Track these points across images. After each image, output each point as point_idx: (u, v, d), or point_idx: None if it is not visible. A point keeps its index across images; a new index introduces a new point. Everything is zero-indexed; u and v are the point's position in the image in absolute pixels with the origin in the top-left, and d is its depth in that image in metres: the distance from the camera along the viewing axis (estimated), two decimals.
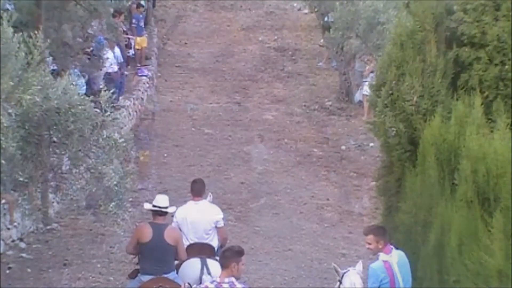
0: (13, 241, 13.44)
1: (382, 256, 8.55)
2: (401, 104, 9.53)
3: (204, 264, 9.92)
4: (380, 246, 8.57)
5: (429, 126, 8.96)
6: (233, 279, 7.78)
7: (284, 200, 16.65)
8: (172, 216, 10.11)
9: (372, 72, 19.55)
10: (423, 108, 9.44)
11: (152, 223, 9.44)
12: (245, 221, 15.35)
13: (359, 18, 19.96)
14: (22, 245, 13.54)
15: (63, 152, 9.71)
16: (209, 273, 9.81)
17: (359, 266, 8.93)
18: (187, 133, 19.96)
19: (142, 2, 23.15)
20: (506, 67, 9.23)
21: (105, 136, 9.64)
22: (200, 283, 9.54)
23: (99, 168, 9.45)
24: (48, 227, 14.15)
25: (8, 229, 13.23)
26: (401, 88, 9.54)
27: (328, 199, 16.90)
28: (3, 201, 12.64)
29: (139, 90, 21.13)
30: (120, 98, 18.90)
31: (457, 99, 9.07)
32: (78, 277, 12.50)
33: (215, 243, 10.40)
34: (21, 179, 9.80)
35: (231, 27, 27.44)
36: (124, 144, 9.66)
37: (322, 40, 24.18)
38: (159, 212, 9.44)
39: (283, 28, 27.33)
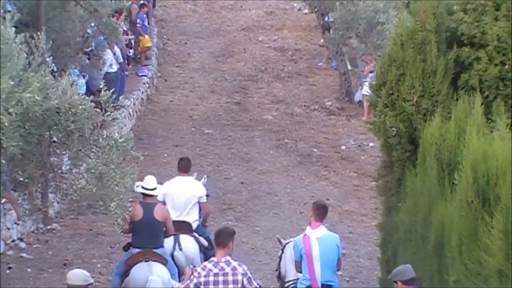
0: (13, 241, 13.45)
1: (306, 230, 9.58)
2: (401, 104, 9.53)
3: (176, 241, 10.83)
4: (310, 219, 9.64)
5: (429, 126, 8.96)
6: (228, 257, 8.41)
7: (284, 200, 16.65)
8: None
9: (371, 72, 19.56)
10: (423, 108, 9.44)
11: (142, 202, 10.44)
12: (245, 221, 15.36)
13: (359, 18, 19.96)
14: (22, 245, 13.54)
15: (63, 152, 9.71)
16: (180, 249, 10.80)
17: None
18: (187, 133, 19.96)
19: (142, 2, 23.15)
20: (506, 67, 9.24)
21: (105, 136, 9.64)
22: (172, 259, 10.55)
23: (99, 168, 9.45)
24: (48, 227, 14.15)
25: (8, 229, 13.23)
26: (401, 88, 9.55)
27: (328, 199, 16.88)
28: (3, 200, 12.64)
29: (139, 90, 21.13)
30: (120, 98, 18.83)
31: (457, 99, 9.07)
32: None
33: (194, 217, 11.33)
34: (21, 179, 9.81)
35: (231, 27, 27.43)
36: (124, 144, 9.66)
37: (322, 40, 24.16)
38: (147, 193, 10.44)
39: (283, 28, 27.32)
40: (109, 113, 9.58)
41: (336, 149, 19.62)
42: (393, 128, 9.58)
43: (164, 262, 10.12)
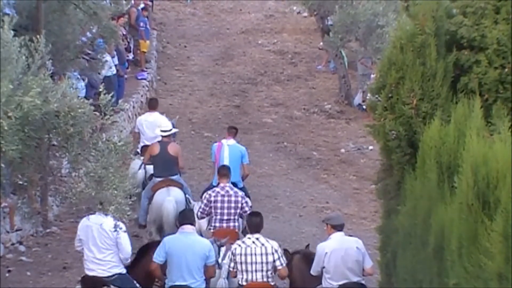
0: (12, 244, 13.43)
1: (223, 140, 13.68)
2: (400, 107, 9.53)
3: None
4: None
5: (429, 129, 8.95)
6: (230, 184, 11.94)
7: (283, 203, 16.65)
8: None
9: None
10: (422, 111, 9.43)
11: (160, 141, 13.49)
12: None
13: (359, 21, 19.96)
14: (22, 248, 13.53)
15: (62, 155, 9.68)
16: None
17: None
18: (187, 136, 19.95)
19: (143, 6, 23.12)
20: (506, 70, 9.23)
21: (104, 139, 9.63)
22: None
23: (99, 171, 9.43)
24: (48, 230, 14.14)
25: (8, 232, 13.22)
26: (400, 91, 9.54)
27: (327, 202, 16.90)
28: (3, 204, 12.62)
29: (139, 93, 21.12)
30: (120, 101, 18.81)
31: (456, 102, 9.06)
32: (77, 280, 12.45)
33: None
34: (20, 182, 9.79)
35: (231, 30, 27.44)
36: (123, 148, 9.65)
37: (321, 43, 24.18)
38: (163, 135, 13.51)
39: (282, 31, 27.33)
40: (108, 116, 9.56)
41: (335, 152, 19.62)
42: (392, 131, 9.57)
43: (180, 186, 13.14)
